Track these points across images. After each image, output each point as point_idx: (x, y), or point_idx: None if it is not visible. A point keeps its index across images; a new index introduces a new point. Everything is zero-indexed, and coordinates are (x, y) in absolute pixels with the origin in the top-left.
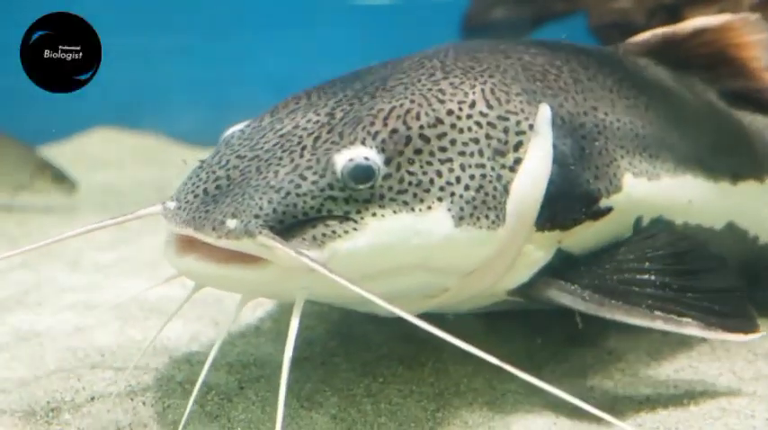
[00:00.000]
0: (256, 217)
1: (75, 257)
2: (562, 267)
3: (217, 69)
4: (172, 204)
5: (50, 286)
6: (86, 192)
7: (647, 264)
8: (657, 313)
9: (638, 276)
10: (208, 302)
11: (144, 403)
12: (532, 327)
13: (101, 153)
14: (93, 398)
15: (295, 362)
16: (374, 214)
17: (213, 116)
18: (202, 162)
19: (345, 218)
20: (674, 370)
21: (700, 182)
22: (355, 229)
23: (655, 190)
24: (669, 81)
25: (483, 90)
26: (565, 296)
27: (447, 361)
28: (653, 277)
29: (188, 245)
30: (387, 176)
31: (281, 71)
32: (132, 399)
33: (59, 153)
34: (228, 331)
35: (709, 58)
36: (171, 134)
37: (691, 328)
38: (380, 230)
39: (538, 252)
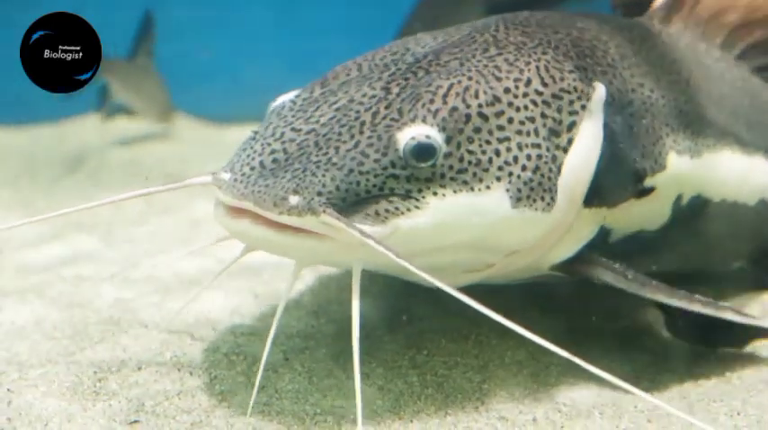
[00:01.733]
0: (319, 194)
1: (108, 230)
2: (605, 243)
3: (236, 45)
4: (226, 175)
5: (86, 259)
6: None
7: None
8: (698, 296)
9: None
10: (246, 275)
11: (191, 373)
12: (572, 301)
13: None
14: (139, 369)
15: (338, 335)
16: (435, 193)
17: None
18: (255, 133)
19: (407, 195)
20: None
21: (737, 157)
22: (417, 207)
23: (696, 167)
24: (704, 55)
25: (538, 67)
26: (608, 274)
27: (490, 334)
28: None
29: (239, 210)
30: (447, 155)
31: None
32: (179, 370)
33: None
34: (271, 303)
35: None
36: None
37: (728, 313)
38: (441, 209)
39: (584, 228)
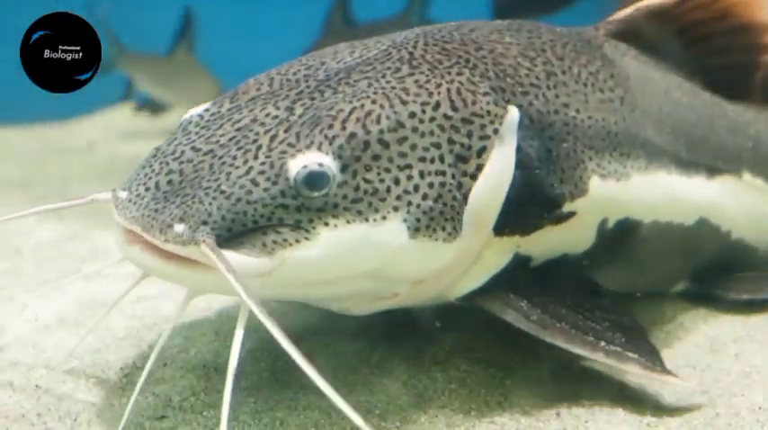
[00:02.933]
0: (204, 223)
1: None
2: (518, 272)
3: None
4: (123, 194)
5: (106, 257)
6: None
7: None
8: (602, 344)
9: (585, 318)
10: None
11: (216, 370)
12: None
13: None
14: (165, 365)
15: (360, 332)
16: (326, 223)
17: None
18: (157, 150)
19: (296, 226)
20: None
21: (673, 178)
22: (307, 239)
23: (623, 190)
24: (650, 69)
25: (449, 89)
26: (510, 312)
27: (512, 331)
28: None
29: (134, 233)
30: (342, 184)
31: None
32: (205, 366)
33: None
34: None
35: (698, 30)
36: None
37: (633, 365)
38: (332, 241)
39: (494, 257)
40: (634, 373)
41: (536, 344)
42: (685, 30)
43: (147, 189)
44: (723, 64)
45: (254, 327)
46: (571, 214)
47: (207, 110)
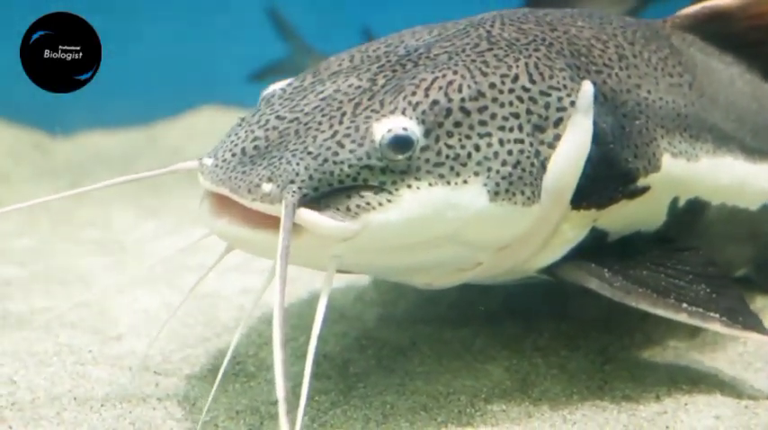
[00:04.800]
0: (292, 182)
1: None
2: (595, 246)
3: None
4: (209, 161)
5: (208, 250)
6: None
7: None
8: (684, 306)
9: (667, 269)
10: None
11: (325, 357)
12: None
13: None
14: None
15: (462, 320)
16: (409, 186)
17: None
18: (242, 119)
19: (381, 188)
20: None
21: (739, 163)
22: (389, 201)
23: (693, 171)
24: (714, 59)
25: (527, 64)
26: (593, 280)
27: (609, 317)
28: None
29: (224, 203)
30: (425, 148)
31: None
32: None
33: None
34: (396, 292)
35: (757, 33)
36: None
37: (714, 324)
38: (415, 203)
39: (572, 230)
40: (717, 331)
41: (633, 335)
42: (744, 31)
43: (233, 155)
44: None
45: (356, 316)
46: (645, 189)
47: (289, 84)
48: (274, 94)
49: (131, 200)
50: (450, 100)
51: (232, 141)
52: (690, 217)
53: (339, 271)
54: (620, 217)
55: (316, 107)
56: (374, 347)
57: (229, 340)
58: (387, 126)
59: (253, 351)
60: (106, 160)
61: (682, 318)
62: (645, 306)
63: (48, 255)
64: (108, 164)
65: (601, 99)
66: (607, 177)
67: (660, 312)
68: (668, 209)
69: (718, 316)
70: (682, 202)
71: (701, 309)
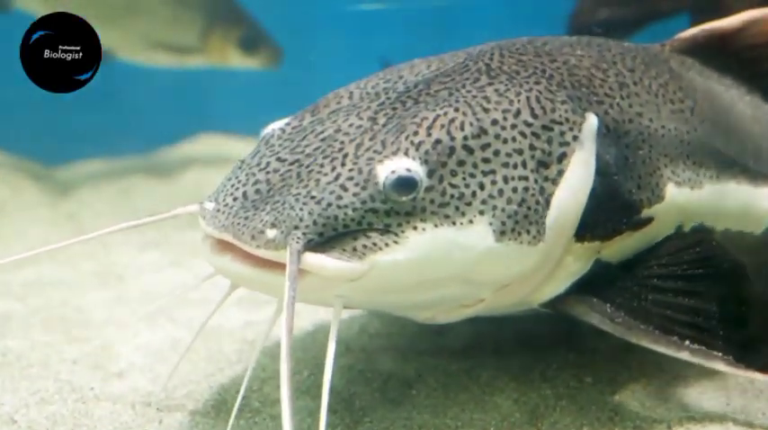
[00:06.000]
0: (296, 228)
1: None
2: (599, 279)
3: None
4: (210, 205)
5: (208, 284)
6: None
7: (680, 282)
8: (687, 343)
9: (672, 298)
10: None
11: (330, 390)
12: None
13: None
14: (279, 387)
15: (467, 351)
16: (415, 227)
17: None
18: (242, 162)
19: (386, 230)
20: None
21: (742, 188)
22: (396, 242)
23: (696, 198)
24: (714, 82)
25: (528, 98)
26: (595, 316)
27: (616, 347)
28: (687, 300)
29: (223, 245)
30: (429, 188)
31: None
32: (318, 387)
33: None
34: (399, 322)
35: (758, 53)
36: None
37: (718, 363)
38: (421, 244)
39: (576, 263)
40: (721, 370)
41: (642, 364)
42: (744, 51)
43: (234, 199)
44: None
45: (361, 348)
46: (649, 220)
47: (288, 124)
48: (273, 134)
49: (131, 231)
50: (452, 138)
51: (233, 185)
52: None
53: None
54: (624, 248)
55: (317, 148)
56: (380, 380)
57: (233, 374)
58: (390, 167)
59: (257, 385)
60: (104, 190)
61: (684, 356)
62: (646, 343)
63: (48, 288)
64: (106, 194)
65: (603, 131)
66: (611, 209)
67: (662, 350)
68: None
69: (721, 355)
70: (686, 229)
71: (703, 347)
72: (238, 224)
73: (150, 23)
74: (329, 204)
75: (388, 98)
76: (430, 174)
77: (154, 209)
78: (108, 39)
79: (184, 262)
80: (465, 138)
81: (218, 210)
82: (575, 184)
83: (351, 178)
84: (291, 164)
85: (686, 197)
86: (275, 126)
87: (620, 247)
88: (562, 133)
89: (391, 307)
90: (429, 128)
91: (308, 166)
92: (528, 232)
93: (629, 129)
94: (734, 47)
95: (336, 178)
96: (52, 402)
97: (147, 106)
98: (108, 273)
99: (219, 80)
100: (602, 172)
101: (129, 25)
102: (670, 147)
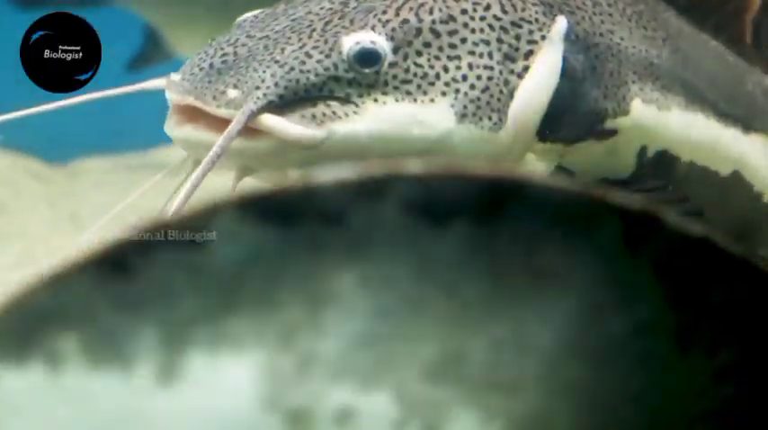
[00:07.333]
0: (257, 88)
1: None
2: None
3: None
4: (177, 76)
5: None
6: None
7: None
8: None
9: None
10: None
11: None
12: None
13: None
14: None
15: None
16: (376, 99)
17: None
18: (212, 40)
19: (347, 100)
20: None
21: (711, 123)
22: (355, 113)
23: (663, 120)
24: (687, 26)
25: None
26: None
27: None
28: None
29: (191, 117)
30: (393, 64)
31: None
32: None
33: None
34: None
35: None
36: None
37: None
38: (380, 116)
39: (537, 163)
40: None
41: None
42: None
43: (201, 69)
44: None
45: None
46: (613, 131)
47: (262, 11)
48: (246, 19)
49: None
50: (420, 20)
51: (200, 58)
52: (659, 169)
53: None
54: (587, 158)
55: (286, 26)
56: None
57: None
58: (355, 39)
59: None
60: (105, 188)
61: None
62: None
63: None
64: (108, 192)
65: (573, 38)
66: (575, 113)
67: None
68: (636, 158)
69: None
70: (650, 152)
71: None
72: (201, 87)
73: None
74: (292, 68)
75: None
76: (395, 50)
77: (156, 207)
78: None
79: None
80: (433, 21)
81: (184, 79)
82: (539, 80)
83: (316, 47)
84: (260, 39)
85: (653, 116)
86: (249, 14)
87: (582, 157)
88: (531, 32)
89: None
90: (398, 8)
91: (275, 40)
92: (489, 118)
93: (599, 42)
94: None
95: (302, 47)
96: None
97: (149, 103)
98: None
99: None
100: (568, 75)
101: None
102: (639, 66)
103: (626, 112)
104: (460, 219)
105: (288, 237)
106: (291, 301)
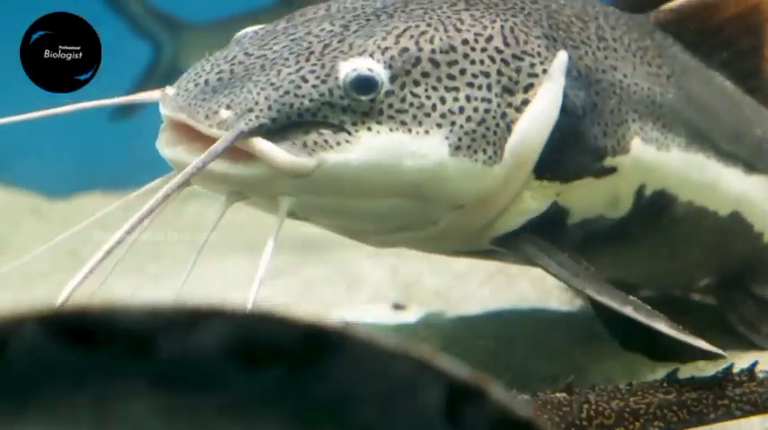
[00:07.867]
0: (250, 110)
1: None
2: (555, 225)
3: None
4: (172, 91)
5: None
6: None
7: None
8: (632, 298)
9: None
10: None
11: None
12: None
13: None
14: None
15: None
16: (369, 128)
17: None
18: (208, 55)
19: (340, 128)
20: None
21: (712, 163)
22: (348, 142)
23: (662, 160)
24: (694, 62)
25: (503, 27)
26: (542, 257)
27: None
28: None
29: (183, 135)
30: (389, 93)
31: None
32: None
33: None
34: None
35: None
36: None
37: (660, 323)
38: (373, 146)
39: (533, 201)
40: (662, 331)
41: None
42: (729, 26)
43: (196, 85)
44: (735, 51)
45: None
46: (612, 169)
47: (262, 28)
48: (246, 35)
49: (132, 267)
50: (420, 49)
51: (196, 73)
52: (656, 209)
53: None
54: (584, 196)
55: (285, 46)
56: None
57: None
58: (352, 65)
59: None
60: (106, 223)
61: (627, 311)
62: (590, 291)
63: None
64: (108, 228)
65: (575, 73)
66: (574, 151)
67: (605, 300)
68: (634, 197)
69: (663, 318)
70: (648, 192)
71: (648, 307)
72: (195, 105)
73: None
74: (287, 92)
75: (364, 12)
76: (392, 79)
77: (157, 247)
78: None
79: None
80: (433, 51)
81: (178, 94)
82: (538, 115)
83: (312, 71)
84: (257, 57)
85: (652, 156)
86: (248, 30)
87: (580, 195)
88: (532, 65)
89: (335, 216)
90: (398, 36)
91: (272, 60)
92: (484, 151)
93: (602, 78)
94: (719, 19)
95: (298, 71)
96: None
97: (150, 136)
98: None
99: None
100: (568, 111)
101: None
102: (641, 104)
103: (626, 151)
104: (274, 364)
105: (90, 357)
106: (82, 418)
